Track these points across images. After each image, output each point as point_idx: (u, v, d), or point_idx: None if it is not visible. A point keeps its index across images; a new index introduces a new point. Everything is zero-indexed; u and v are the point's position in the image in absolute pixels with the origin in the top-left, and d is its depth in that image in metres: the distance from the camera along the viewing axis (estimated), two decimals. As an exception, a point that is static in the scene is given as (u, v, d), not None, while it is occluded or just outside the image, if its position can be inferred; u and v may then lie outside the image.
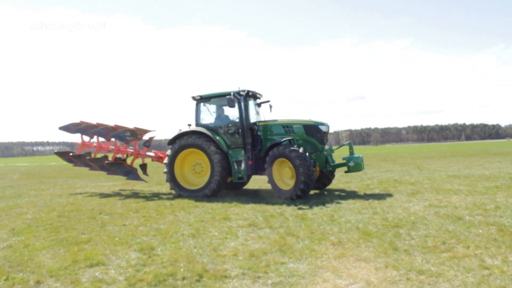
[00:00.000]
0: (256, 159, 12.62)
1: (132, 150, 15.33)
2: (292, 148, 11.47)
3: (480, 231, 6.98)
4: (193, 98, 13.33)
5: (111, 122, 15.35)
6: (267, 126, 12.88)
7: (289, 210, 9.58)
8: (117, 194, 14.04)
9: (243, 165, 12.42)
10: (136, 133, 14.63)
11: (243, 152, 12.46)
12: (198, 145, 12.52)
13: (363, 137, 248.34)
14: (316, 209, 9.67)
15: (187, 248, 6.58)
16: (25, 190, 16.65)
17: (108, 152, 15.80)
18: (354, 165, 12.26)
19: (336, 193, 12.19)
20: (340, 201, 10.65)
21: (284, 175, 11.90)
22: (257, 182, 16.34)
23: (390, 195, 11.31)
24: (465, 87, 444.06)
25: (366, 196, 11.28)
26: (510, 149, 52.69)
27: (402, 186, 13.26)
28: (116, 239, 7.31)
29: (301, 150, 11.40)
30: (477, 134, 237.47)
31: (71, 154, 16.03)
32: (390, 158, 34.28)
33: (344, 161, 12.37)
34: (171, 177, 12.84)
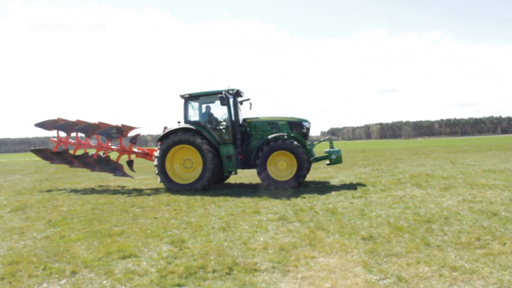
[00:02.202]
0: (243, 154, 13.55)
1: (115, 147, 15.46)
2: (292, 141, 12.74)
3: (517, 227, 6.79)
4: (182, 96, 13.84)
5: (95, 120, 15.26)
6: (253, 123, 13.88)
7: (319, 204, 9.54)
8: (148, 188, 14.28)
9: (233, 160, 13.23)
10: (122, 130, 14.71)
11: (232, 147, 13.26)
12: (191, 141, 13.05)
13: (394, 130, 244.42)
14: (346, 203, 9.60)
15: (217, 241, 6.64)
16: (61, 183, 17.10)
17: (89, 149, 15.60)
18: (336, 158, 13.49)
19: (367, 187, 12.06)
20: (371, 195, 10.54)
21: (279, 167, 12.88)
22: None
23: (422, 190, 11.11)
24: (500, 79, 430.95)
25: (398, 191, 11.12)
26: (549, 142, 50.89)
27: (434, 181, 13.00)
28: (148, 231, 7.45)
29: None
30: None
31: (51, 151, 15.84)
32: (422, 152, 33.62)
33: (326, 154, 13.53)
34: (162, 171, 13.22)
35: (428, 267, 5.13)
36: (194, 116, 13.98)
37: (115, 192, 13.36)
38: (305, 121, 14.01)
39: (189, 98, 13.84)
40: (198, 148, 13.01)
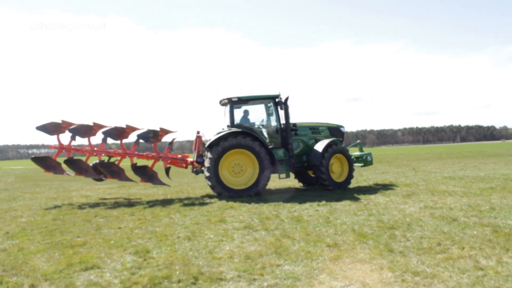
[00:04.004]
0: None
1: (144, 154, 14.08)
2: (344, 146, 14.19)
3: (475, 232, 7.01)
4: (229, 99, 13.56)
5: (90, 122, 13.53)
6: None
7: (285, 212, 9.59)
8: (112, 197, 14.00)
9: (285, 164, 13.41)
10: (158, 134, 13.79)
11: (284, 151, 13.46)
12: (246, 145, 12.74)
13: (359, 139, 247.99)
14: (311, 211, 9.68)
15: (182, 251, 6.57)
16: (20, 193, 16.57)
17: (104, 156, 13.84)
18: (370, 160, 15.13)
19: (332, 195, 12.20)
20: (336, 203, 10.67)
21: (333, 170, 13.70)
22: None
23: (385, 197, 11.33)
24: (460, 89, 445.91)
25: (362, 198, 11.30)
26: (505, 150, 52.91)
27: (397, 188, 13.29)
28: (112, 242, 7.30)
29: None
30: (472, 135, 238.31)
31: (71, 159, 13.64)
32: (385, 160, 34.35)
33: (361, 158, 15.08)
34: (216, 177, 12.65)
35: (391, 272, 5.22)
36: (242, 120, 13.92)
37: (77, 202, 13.03)
38: (342, 126, 15.22)
39: (237, 102, 13.66)
40: (255, 153, 12.81)
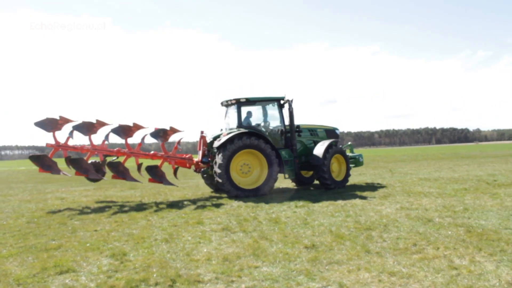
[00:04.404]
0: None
1: (150, 153, 13.81)
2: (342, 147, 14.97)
3: (449, 232, 7.15)
4: (237, 100, 13.68)
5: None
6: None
7: (263, 214, 9.60)
8: (88, 199, 13.77)
9: (292, 164, 13.81)
10: (167, 134, 13.53)
11: (289, 152, 13.88)
12: (256, 145, 12.88)
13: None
14: (289, 212, 9.71)
15: (160, 253, 6.51)
16: (-7, 195, 16.18)
17: (110, 157, 13.55)
18: (361, 161, 15.91)
19: (309, 196, 12.27)
20: (313, 204, 10.73)
21: (333, 169, 14.40)
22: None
23: (362, 198, 11.45)
24: (435, 92, 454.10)
25: (339, 200, 11.39)
26: (478, 152, 54.08)
27: (374, 189, 13.45)
28: (88, 245, 7.19)
29: None
30: (447, 137, 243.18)
31: (71, 158, 12.85)
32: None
33: (353, 158, 15.71)
34: (228, 178, 12.62)
35: (368, 273, 5.28)
36: (248, 121, 14.07)
37: (52, 204, 12.78)
38: (337, 129, 16.10)
39: (245, 103, 13.83)
40: (264, 153, 12.97)
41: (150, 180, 13.18)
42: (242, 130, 13.19)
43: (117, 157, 13.58)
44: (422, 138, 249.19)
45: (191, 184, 17.71)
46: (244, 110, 14.11)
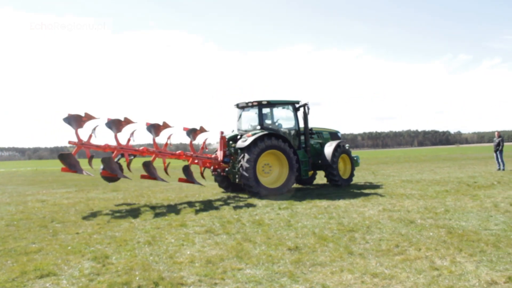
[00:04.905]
0: None
1: (176, 152, 13.57)
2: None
3: (431, 233, 7.24)
4: (259, 103, 14.13)
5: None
6: None
7: (246, 216, 9.59)
8: (70, 202, 13.59)
9: (307, 164, 14.71)
10: (197, 133, 13.66)
11: (304, 152, 14.74)
12: (279, 146, 13.44)
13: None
14: (273, 214, 9.72)
15: (142, 256, 6.46)
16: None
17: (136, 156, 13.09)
18: (359, 162, 16.84)
19: (293, 198, 12.31)
20: (297, 206, 10.76)
21: (339, 167, 15.44)
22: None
23: (345, 200, 11.52)
24: (417, 95, 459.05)
25: (322, 201, 11.44)
26: (459, 154, 54.91)
27: (357, 191, 13.54)
28: (69, 248, 7.09)
29: None
30: (429, 140, 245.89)
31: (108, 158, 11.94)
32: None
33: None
34: (255, 179, 13.02)
35: (351, 274, 5.31)
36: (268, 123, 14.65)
37: (33, 207, 12.58)
38: (339, 132, 17.23)
39: (266, 105, 14.32)
40: (286, 153, 13.60)
41: (180, 180, 13.45)
42: (265, 131, 13.56)
43: (134, 156, 13.16)
44: (405, 141, 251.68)
45: (175, 186, 17.62)
46: (269, 111, 14.76)
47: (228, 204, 11.62)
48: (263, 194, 12.99)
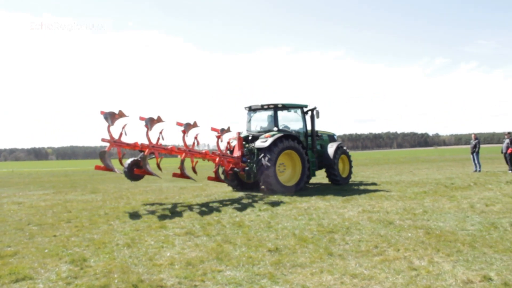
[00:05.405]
0: None
1: (218, 153, 13.81)
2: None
3: (409, 234, 7.33)
4: (275, 106, 14.98)
5: None
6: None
7: (226, 218, 9.57)
8: (47, 204, 13.36)
9: (314, 164, 15.75)
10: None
11: (311, 153, 15.65)
12: (294, 147, 14.31)
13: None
14: (253, 216, 9.72)
15: (121, 258, 6.39)
16: None
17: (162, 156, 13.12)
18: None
19: (273, 200, 12.33)
20: (277, 207, 10.78)
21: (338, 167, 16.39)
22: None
23: (325, 202, 11.58)
24: (396, 97, 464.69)
25: (303, 203, 11.48)
26: (437, 156, 55.78)
27: (337, 193, 13.63)
28: (46, 251, 6.97)
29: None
30: (408, 142, 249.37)
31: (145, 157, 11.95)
32: (326, 165, 35.11)
33: None
34: (275, 178, 13.77)
35: (331, 275, 5.33)
36: (267, 125, 15.52)
37: (9, 209, 12.32)
38: (335, 134, 18.22)
39: (281, 108, 15.16)
40: (300, 154, 14.52)
41: (209, 178, 13.86)
42: (281, 133, 14.32)
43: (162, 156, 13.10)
44: (384, 143, 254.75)
45: (154, 187, 17.49)
46: (282, 114, 15.54)
47: (208, 206, 11.58)
48: (280, 192, 13.73)
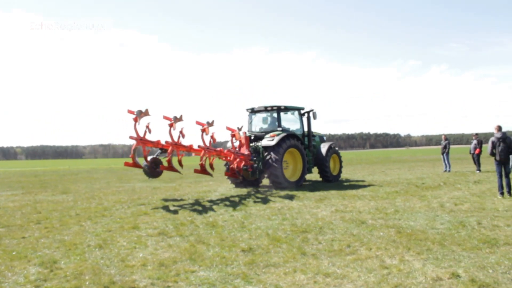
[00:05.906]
0: None
1: (232, 151, 14.59)
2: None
3: (381, 233, 7.43)
4: (278, 107, 15.89)
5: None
6: None
7: (200, 218, 9.52)
8: (16, 204, 13.02)
9: (311, 162, 16.72)
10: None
11: (308, 152, 16.50)
12: (296, 145, 15.39)
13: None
14: (227, 216, 9.70)
15: (93, 260, 6.28)
16: None
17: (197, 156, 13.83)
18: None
19: (246, 200, 12.33)
20: (251, 208, 10.79)
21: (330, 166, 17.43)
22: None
23: (299, 201, 11.65)
24: (369, 98, 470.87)
25: (276, 203, 11.53)
26: (408, 156, 56.78)
27: (310, 193, 13.72)
28: (14, 253, 6.79)
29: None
30: (380, 142, 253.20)
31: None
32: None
33: None
34: (283, 174, 14.80)
35: (304, 275, 5.37)
36: (267, 125, 16.50)
37: (-25, 210, 11.96)
38: (325, 135, 19.27)
39: (283, 109, 16.17)
40: (301, 152, 15.65)
41: (195, 171, 13.70)
42: (285, 132, 15.29)
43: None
44: (357, 143, 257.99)
45: (127, 188, 17.27)
46: (283, 115, 16.36)
47: (181, 206, 11.49)
48: (285, 186, 14.73)
